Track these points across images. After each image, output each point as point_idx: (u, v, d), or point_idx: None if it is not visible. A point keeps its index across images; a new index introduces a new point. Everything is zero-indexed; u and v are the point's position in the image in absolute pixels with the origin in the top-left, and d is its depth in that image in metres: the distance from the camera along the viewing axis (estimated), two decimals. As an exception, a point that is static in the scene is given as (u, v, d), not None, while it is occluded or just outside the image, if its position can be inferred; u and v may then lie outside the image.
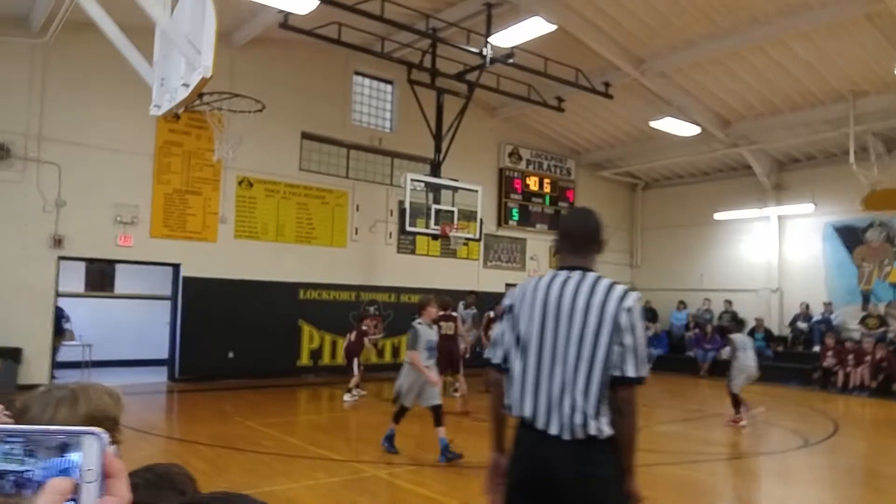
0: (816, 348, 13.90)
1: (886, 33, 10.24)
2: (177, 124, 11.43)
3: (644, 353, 2.23)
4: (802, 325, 14.81)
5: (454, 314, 9.90)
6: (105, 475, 0.64)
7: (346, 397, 10.14)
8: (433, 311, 6.61)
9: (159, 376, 11.69)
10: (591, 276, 2.32)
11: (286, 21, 9.95)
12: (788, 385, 13.25)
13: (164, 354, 11.99)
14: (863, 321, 13.67)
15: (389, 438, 6.63)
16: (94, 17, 4.31)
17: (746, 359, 8.83)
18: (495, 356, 2.41)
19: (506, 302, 2.46)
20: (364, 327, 10.75)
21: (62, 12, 8.53)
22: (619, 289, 2.28)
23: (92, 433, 0.64)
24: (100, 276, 13.16)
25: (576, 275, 2.33)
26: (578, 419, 2.18)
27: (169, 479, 1.28)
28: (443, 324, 9.62)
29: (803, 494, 6.08)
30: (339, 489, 5.45)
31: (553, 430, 2.21)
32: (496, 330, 2.48)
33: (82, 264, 12.48)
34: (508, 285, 16.56)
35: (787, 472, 6.74)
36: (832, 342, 13.37)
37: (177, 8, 4.23)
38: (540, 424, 2.24)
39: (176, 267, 11.70)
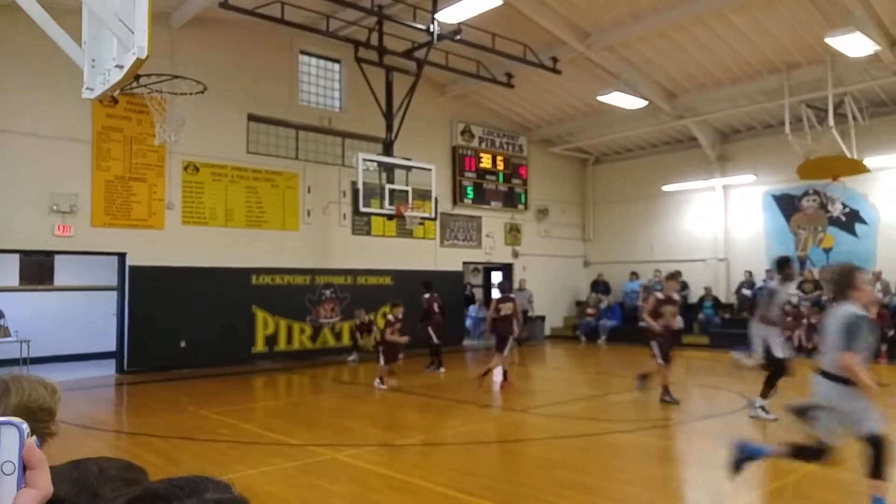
0: (759, 314, 14.50)
1: (818, 4, 10.59)
2: (115, 109, 10.97)
3: None
4: (746, 291, 15.42)
5: (512, 295, 10.00)
6: (25, 467, 0.63)
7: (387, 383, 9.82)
8: (867, 290, 4.33)
9: (107, 370, 11.35)
10: None
11: (226, 0, 9.60)
12: (736, 350, 13.78)
13: (112, 347, 11.62)
14: (800, 286, 14.28)
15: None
16: (13, -4, 4.04)
17: None
18: None
19: None
20: (390, 317, 9.99)
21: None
22: None
23: (10, 423, 0.62)
24: (37, 269, 12.56)
25: None
26: None
27: (87, 481, 0.96)
28: (501, 306, 9.69)
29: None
30: (296, 473, 5.43)
31: None
32: None
33: (16, 257, 11.91)
34: (466, 264, 16.67)
35: (733, 431, 7.05)
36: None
37: (104, -15, 4.01)
38: None
39: (122, 256, 11.30)
